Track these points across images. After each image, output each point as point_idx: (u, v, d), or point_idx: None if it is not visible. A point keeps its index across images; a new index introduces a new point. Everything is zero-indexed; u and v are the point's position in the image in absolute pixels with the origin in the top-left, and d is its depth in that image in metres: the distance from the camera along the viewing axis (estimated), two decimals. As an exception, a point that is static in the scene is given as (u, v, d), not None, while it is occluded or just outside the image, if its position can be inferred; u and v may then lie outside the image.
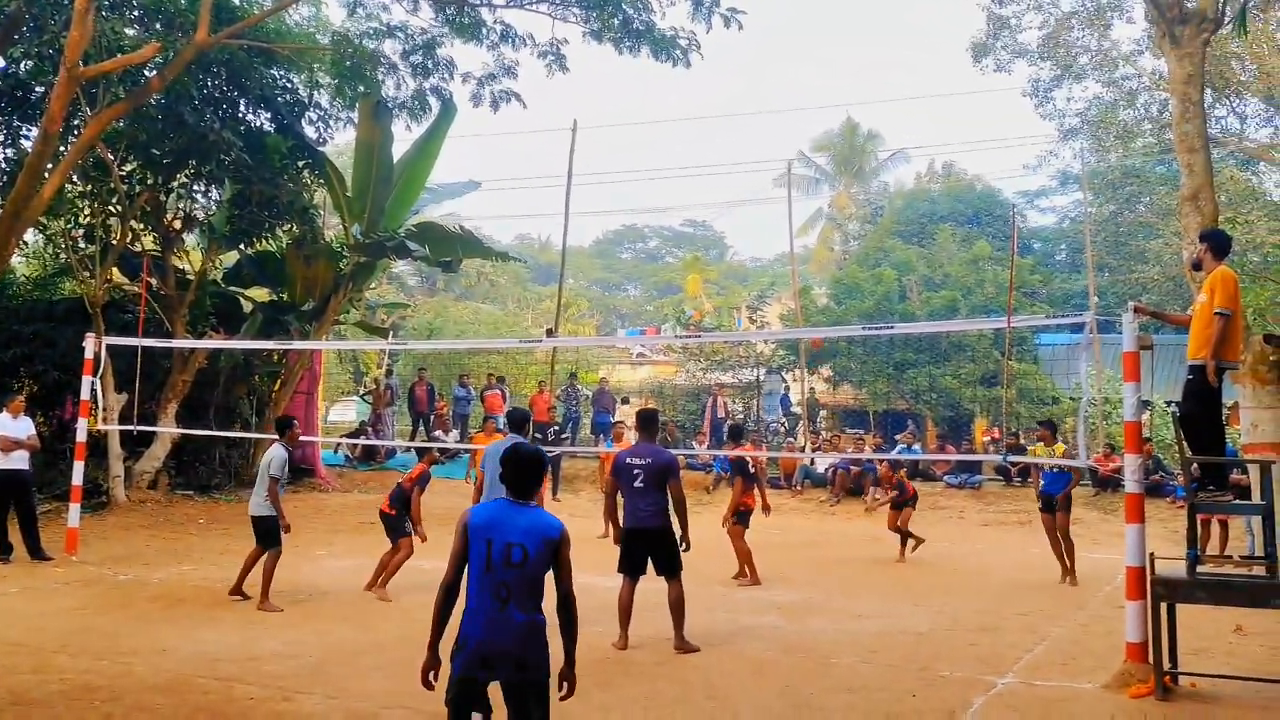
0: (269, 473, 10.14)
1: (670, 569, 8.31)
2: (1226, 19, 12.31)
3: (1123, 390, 7.66)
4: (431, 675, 4.49)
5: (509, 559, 4.37)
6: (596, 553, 9.95)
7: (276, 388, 20.34)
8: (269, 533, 10.16)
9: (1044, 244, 39.42)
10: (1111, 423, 20.86)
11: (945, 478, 19.65)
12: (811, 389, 25.85)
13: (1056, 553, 12.40)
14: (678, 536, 8.44)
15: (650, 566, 8.41)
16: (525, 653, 4.38)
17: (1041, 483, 13.25)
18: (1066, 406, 23.21)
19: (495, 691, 4.47)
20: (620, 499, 8.57)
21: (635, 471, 8.29)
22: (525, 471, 4.64)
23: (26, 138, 16.60)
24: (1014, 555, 14.74)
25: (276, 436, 10.82)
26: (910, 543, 13.98)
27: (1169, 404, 15.07)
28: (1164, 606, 6.85)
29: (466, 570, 4.48)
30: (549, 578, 4.52)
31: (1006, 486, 19.23)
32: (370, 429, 23.45)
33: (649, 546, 8.33)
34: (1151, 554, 7.01)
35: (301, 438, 19.94)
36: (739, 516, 11.70)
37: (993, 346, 24.81)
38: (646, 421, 8.87)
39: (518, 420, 9.83)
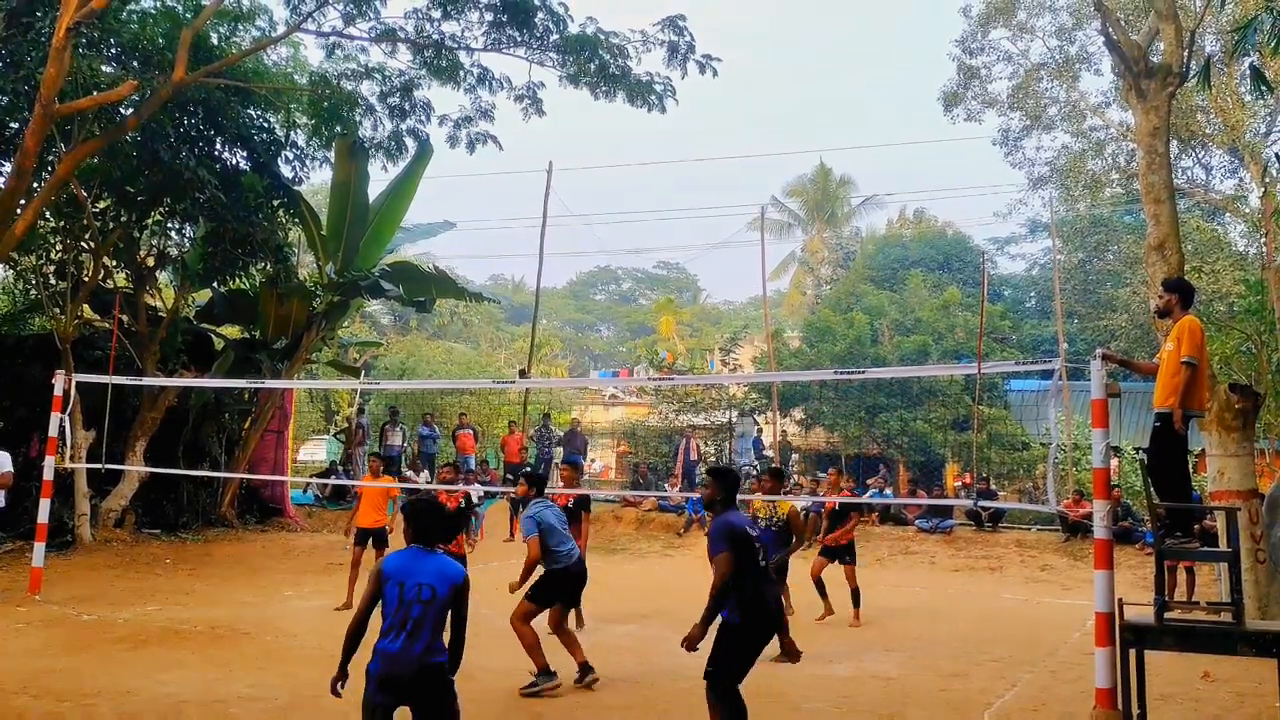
0: None
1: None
2: (1191, 73, 12.58)
3: (1091, 436, 7.75)
4: (339, 685, 5.14)
5: (419, 597, 5.01)
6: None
7: (247, 426, 20.20)
8: None
9: (1014, 290, 39.89)
10: (1081, 469, 21.01)
11: (917, 522, 19.69)
12: (784, 432, 25.91)
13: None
14: None
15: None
16: (423, 681, 5.02)
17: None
18: (1037, 452, 23.38)
19: None
20: None
21: (756, 545, 6.37)
22: (430, 522, 5.31)
23: (0, 173, 16.52)
24: (985, 601, 14.78)
25: (246, 475, 10.74)
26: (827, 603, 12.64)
27: (1137, 450, 15.22)
28: (1132, 653, 6.89)
29: (379, 610, 5.12)
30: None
31: (978, 531, 19.30)
32: (341, 468, 23.27)
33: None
34: (1120, 600, 7.06)
35: (271, 477, 20.01)
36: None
37: (964, 391, 24.98)
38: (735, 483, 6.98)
39: (540, 480, 9.56)
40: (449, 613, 5.13)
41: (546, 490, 9.54)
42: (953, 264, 36.48)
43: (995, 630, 12.23)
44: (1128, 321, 28.93)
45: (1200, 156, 25.96)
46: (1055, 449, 9.37)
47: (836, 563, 12.70)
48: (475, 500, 15.07)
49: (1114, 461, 18.71)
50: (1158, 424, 7.38)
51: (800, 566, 12.24)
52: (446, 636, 5.22)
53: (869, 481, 21.97)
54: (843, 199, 47.88)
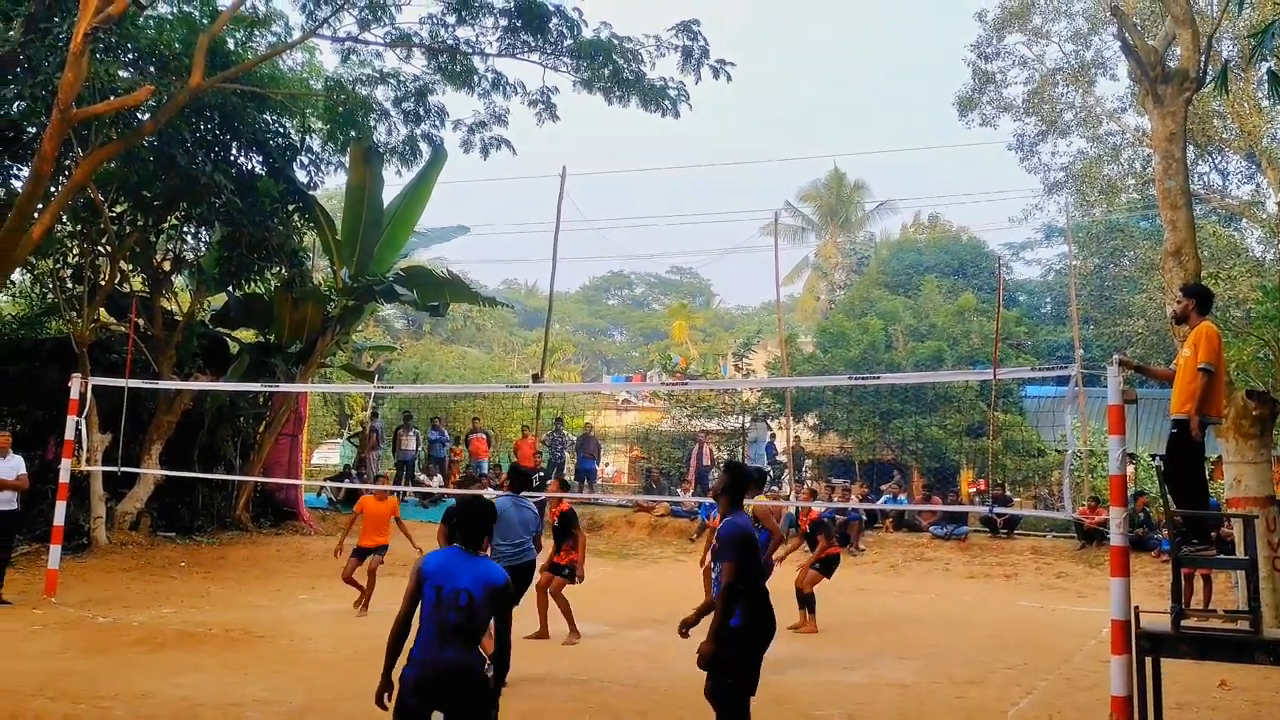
0: None
1: None
2: (1208, 78, 12.52)
3: (1108, 443, 7.70)
4: (386, 697, 4.90)
5: (456, 603, 4.80)
6: (574, 596, 9.88)
7: (261, 430, 20.27)
8: None
9: (1029, 296, 39.75)
10: (1097, 475, 20.91)
11: (931, 529, 19.63)
12: (797, 437, 25.87)
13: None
14: None
15: None
16: (458, 688, 4.81)
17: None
18: (1053, 459, 23.29)
19: None
20: None
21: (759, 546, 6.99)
22: (477, 524, 5.13)
23: (17, 178, 16.62)
24: (1000, 608, 14.72)
25: (260, 478, 10.78)
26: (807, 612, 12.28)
27: (1153, 457, 15.12)
28: (1148, 661, 6.84)
29: (418, 610, 4.92)
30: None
31: (993, 538, 19.22)
32: (354, 472, 23.33)
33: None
34: (1136, 608, 7.01)
35: (285, 480, 20.07)
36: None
37: (979, 397, 24.89)
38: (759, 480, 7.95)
39: (521, 477, 9.80)
40: (490, 619, 4.99)
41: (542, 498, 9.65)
42: (968, 269, 36.36)
43: (1010, 637, 12.17)
44: (1144, 327, 28.79)
45: (1217, 162, 25.81)
46: (1071, 455, 9.31)
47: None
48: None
49: (1130, 468, 18.61)
50: (1174, 431, 7.34)
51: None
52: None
53: (883, 487, 21.95)
54: (857, 204, 47.82)
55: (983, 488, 22.31)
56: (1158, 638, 6.85)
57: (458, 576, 4.85)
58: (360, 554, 12.64)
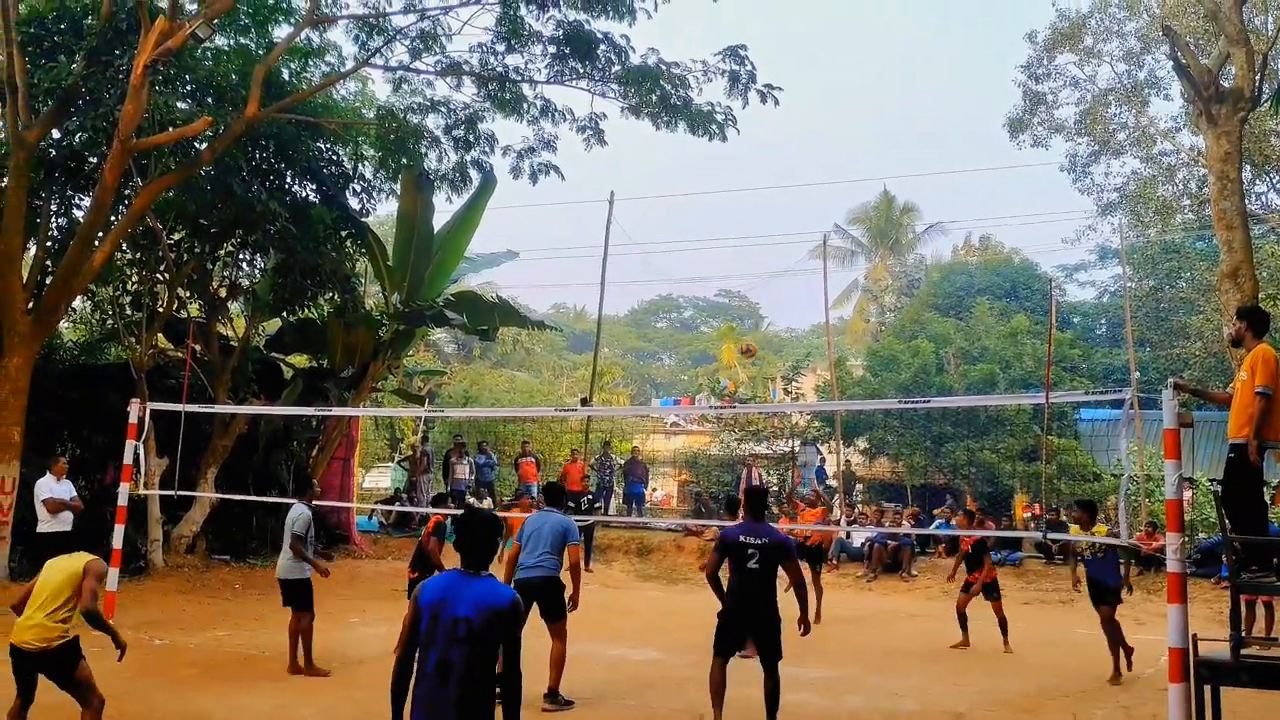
0: (293, 531, 10.15)
1: (772, 652, 7.90)
2: (1264, 97, 12.37)
3: (1164, 467, 7.59)
4: None
5: (454, 634, 4.33)
6: (624, 621, 9.87)
7: (315, 453, 20.51)
8: (299, 596, 10.14)
9: (1083, 318, 39.20)
10: (1154, 500, 20.52)
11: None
12: (848, 461, 25.67)
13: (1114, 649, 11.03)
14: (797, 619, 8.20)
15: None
16: None
17: (1084, 569, 11.69)
18: (1108, 483, 22.89)
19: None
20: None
21: (750, 551, 7.94)
22: (479, 539, 4.59)
23: (79, 207, 17.07)
24: (1055, 634, 14.47)
25: (313, 501, 10.91)
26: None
27: (1212, 482, 14.81)
28: (1208, 690, 6.70)
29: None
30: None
31: (1047, 564, 18.92)
32: (405, 496, 23.51)
33: (756, 629, 8.02)
34: (1194, 635, 6.88)
35: (337, 503, 20.28)
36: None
37: (1032, 421, 24.55)
38: (757, 501, 8.54)
39: (554, 493, 9.79)
40: (498, 646, 4.44)
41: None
42: (1020, 291, 35.96)
43: (1066, 665, 11.96)
44: (1201, 350, 28.29)
45: (1274, 182, 25.40)
46: (1127, 480, 9.17)
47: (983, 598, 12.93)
48: None
49: (1188, 493, 18.25)
50: (1232, 455, 7.22)
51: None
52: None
53: (936, 512, 21.69)
54: (906, 226, 47.56)
55: (1037, 512, 21.97)
56: (1217, 666, 6.71)
57: (456, 603, 4.39)
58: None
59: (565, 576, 8.99)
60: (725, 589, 8.16)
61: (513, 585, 8.40)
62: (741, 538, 8.06)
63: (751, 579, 7.93)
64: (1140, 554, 17.38)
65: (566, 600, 8.94)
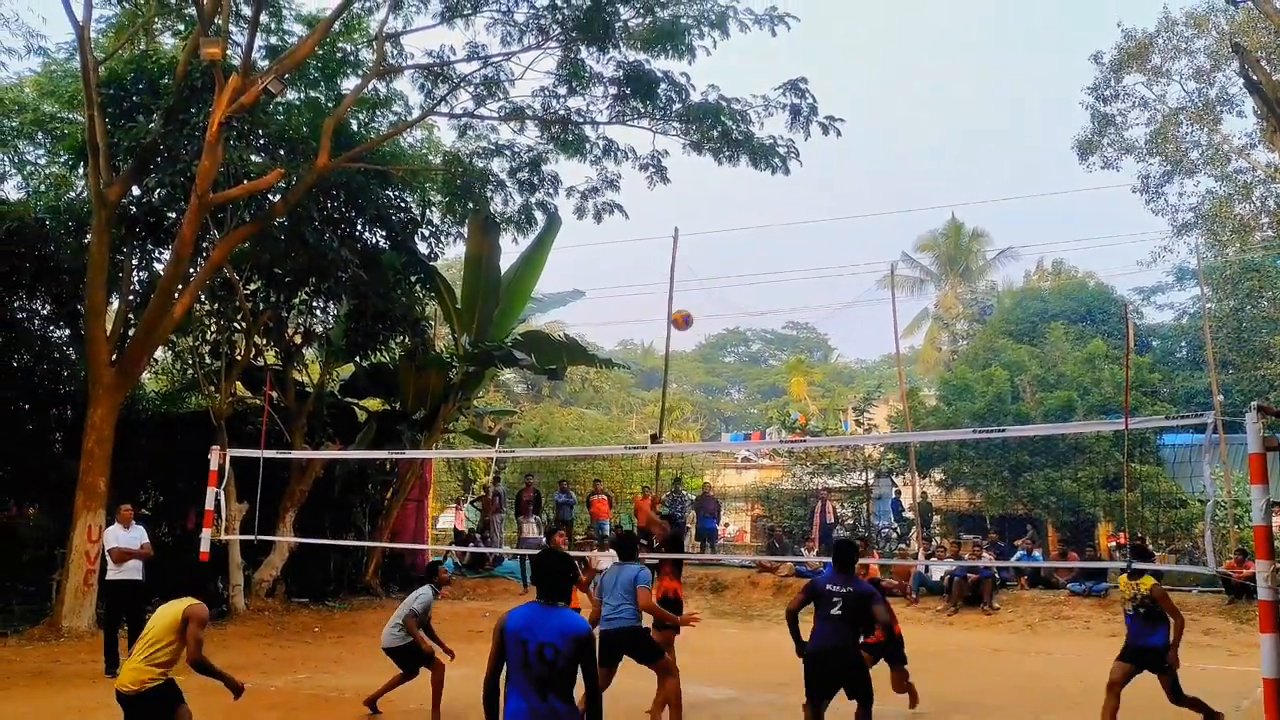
0: (411, 607, 10.12)
1: (863, 694, 8.11)
2: (1341, 110, 12.05)
3: (1251, 493, 7.35)
4: None
5: (543, 657, 4.83)
6: (700, 660, 9.74)
7: (389, 495, 20.74)
8: (407, 660, 10.13)
9: (1162, 341, 38.25)
10: (1243, 527, 19.89)
11: (1069, 586, 18.88)
12: (924, 493, 25.27)
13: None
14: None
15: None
16: None
17: (1126, 630, 9.96)
18: (1195, 510, 22.24)
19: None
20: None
21: (834, 599, 8.12)
22: (554, 575, 5.15)
23: (159, 261, 17.59)
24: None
25: (389, 544, 10.97)
26: None
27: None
28: (1309, 725, 6.44)
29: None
30: None
31: (1133, 594, 18.38)
32: (478, 536, 23.64)
33: (842, 672, 8.16)
34: (1292, 667, 6.63)
35: (413, 545, 20.45)
36: None
37: (1113, 448, 23.97)
38: (844, 553, 8.58)
39: (626, 546, 9.61)
40: (576, 669, 4.95)
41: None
42: (1096, 315, 35.23)
43: (1158, 700, 11.56)
44: (1287, 370, 27.44)
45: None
46: (1213, 506, 8.89)
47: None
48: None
49: (1277, 519, 17.65)
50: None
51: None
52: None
53: (1017, 543, 21.22)
54: (976, 253, 46.98)
55: (1122, 541, 21.40)
56: (1317, 700, 6.45)
57: (540, 630, 4.88)
58: None
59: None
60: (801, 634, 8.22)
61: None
62: (828, 586, 8.20)
63: (836, 623, 8.04)
64: (1231, 582, 16.85)
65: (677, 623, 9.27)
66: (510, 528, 25.17)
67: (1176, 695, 9.38)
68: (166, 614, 6.79)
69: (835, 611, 8.02)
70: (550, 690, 4.84)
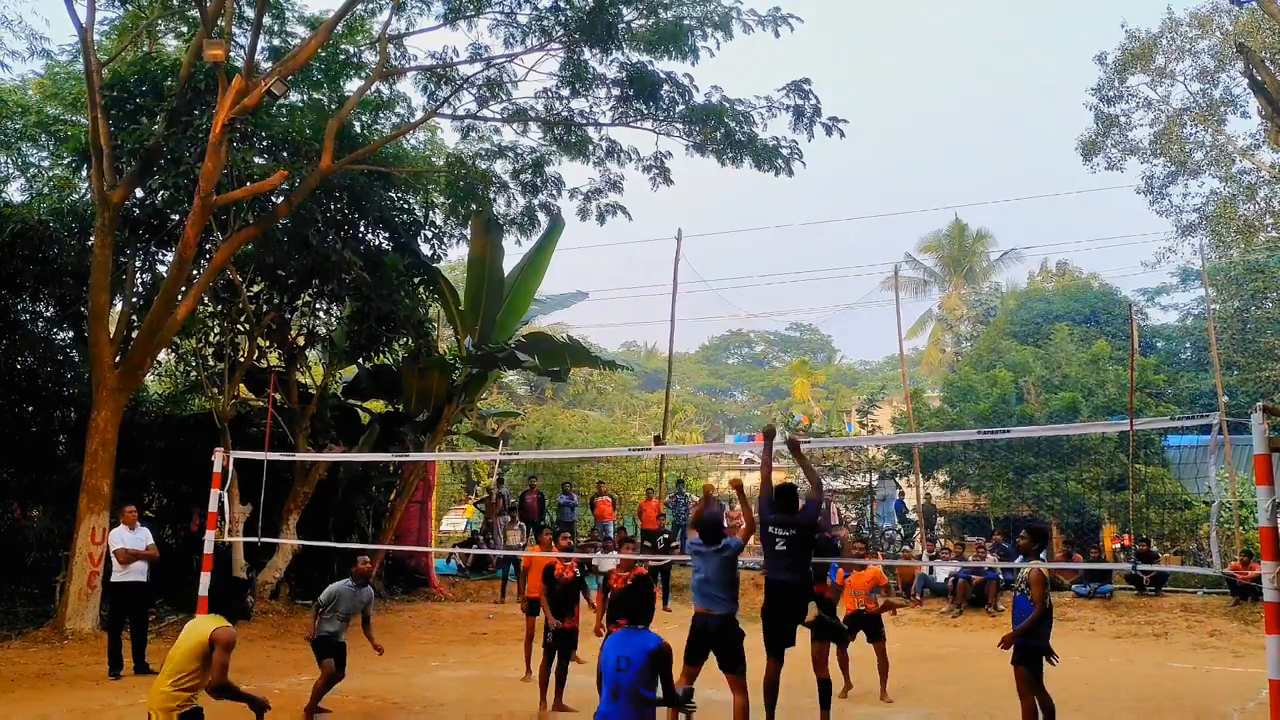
0: (318, 600, 10.37)
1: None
2: (1347, 110, 12.01)
3: (1256, 494, 7.33)
4: None
5: (619, 666, 5.92)
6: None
7: (392, 497, 20.73)
8: (323, 651, 10.30)
9: (1167, 342, 38.21)
10: (1248, 528, 19.85)
11: (1074, 587, 18.83)
12: (928, 494, 25.24)
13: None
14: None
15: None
16: None
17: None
18: (1200, 511, 22.20)
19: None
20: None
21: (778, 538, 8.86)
22: (638, 606, 6.27)
23: (163, 263, 17.59)
24: (1149, 669, 13.99)
25: (392, 546, 11.02)
26: None
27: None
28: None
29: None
30: None
31: (1139, 596, 18.35)
32: (481, 538, 23.61)
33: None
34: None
35: (416, 548, 20.42)
36: None
37: (1118, 449, 23.93)
38: (786, 493, 9.36)
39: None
40: (655, 677, 5.93)
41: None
42: (1100, 317, 35.19)
43: (1162, 701, 11.56)
44: (1291, 371, 27.39)
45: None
46: (1218, 508, 8.86)
47: None
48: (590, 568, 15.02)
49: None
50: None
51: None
52: None
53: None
54: (980, 254, 46.91)
55: (1127, 543, 21.35)
56: (1323, 702, 6.42)
57: (622, 646, 6.02)
58: (533, 608, 12.11)
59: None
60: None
61: None
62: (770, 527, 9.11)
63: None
64: (1236, 583, 16.81)
65: None
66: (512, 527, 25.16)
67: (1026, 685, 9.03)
68: (192, 635, 6.38)
69: (780, 547, 8.87)
70: (626, 696, 5.86)
